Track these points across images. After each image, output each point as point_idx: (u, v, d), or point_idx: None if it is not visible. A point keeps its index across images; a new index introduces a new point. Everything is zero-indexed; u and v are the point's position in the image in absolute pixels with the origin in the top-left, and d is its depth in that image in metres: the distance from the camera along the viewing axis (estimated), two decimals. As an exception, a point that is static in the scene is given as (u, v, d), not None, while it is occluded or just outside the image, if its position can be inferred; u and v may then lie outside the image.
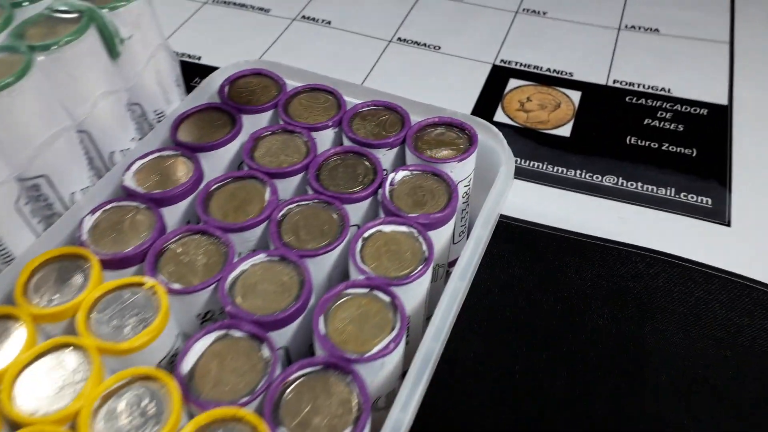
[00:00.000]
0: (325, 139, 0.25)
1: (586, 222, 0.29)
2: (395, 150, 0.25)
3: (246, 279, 0.20)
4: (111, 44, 0.23)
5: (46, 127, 0.21)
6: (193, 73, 0.38)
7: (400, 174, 0.23)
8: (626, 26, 0.41)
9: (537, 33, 0.41)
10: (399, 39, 0.40)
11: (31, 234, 0.21)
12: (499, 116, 0.35)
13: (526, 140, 0.33)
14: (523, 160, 0.32)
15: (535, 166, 0.32)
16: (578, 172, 0.32)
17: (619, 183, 0.31)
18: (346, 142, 0.25)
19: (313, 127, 0.25)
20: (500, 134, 0.25)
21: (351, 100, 0.26)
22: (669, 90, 0.36)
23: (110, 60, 0.24)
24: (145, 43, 0.25)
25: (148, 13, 0.25)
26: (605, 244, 0.28)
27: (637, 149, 0.33)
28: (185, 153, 0.24)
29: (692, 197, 0.30)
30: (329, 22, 0.41)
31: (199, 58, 0.39)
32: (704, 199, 0.30)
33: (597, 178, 0.31)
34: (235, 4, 0.43)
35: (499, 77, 0.37)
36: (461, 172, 0.24)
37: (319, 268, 0.21)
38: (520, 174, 0.32)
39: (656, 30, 0.40)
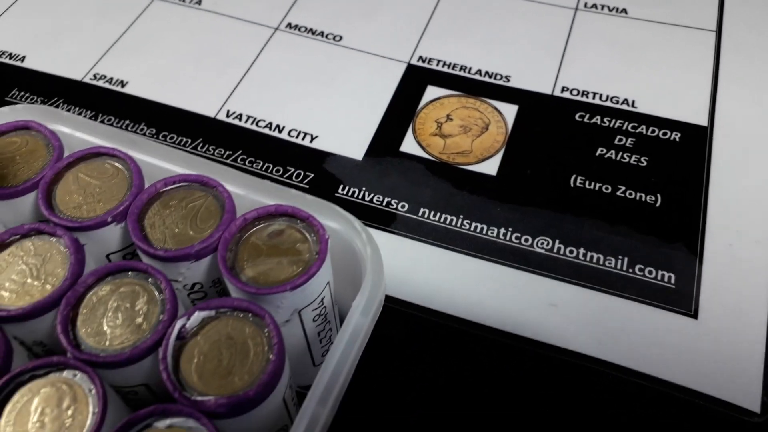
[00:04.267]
0: (105, 242, 0.18)
1: (507, 309, 0.22)
2: (206, 260, 0.17)
3: None
4: None
5: None
6: (11, 82, 0.28)
7: (197, 317, 0.16)
8: (585, 5, 0.31)
9: (470, 15, 0.31)
10: (289, 26, 0.31)
11: None
12: (409, 144, 0.26)
13: (440, 182, 0.25)
14: (431, 214, 0.24)
15: (447, 221, 0.24)
16: (503, 231, 0.24)
17: (555, 249, 0.23)
18: (137, 249, 0.17)
19: (83, 226, 0.17)
20: (365, 234, 0.17)
21: (158, 166, 0.18)
22: (633, 103, 0.27)
23: None
24: None
25: None
26: (527, 347, 0.21)
27: (583, 195, 0.25)
28: None
29: (650, 272, 0.23)
30: (199, 2, 0.32)
31: (22, 59, 0.29)
32: (665, 274, 0.22)
33: (526, 241, 0.24)
34: (81, -25, 0.33)
35: (414, 83, 0.28)
36: (300, 298, 0.16)
37: None
38: (425, 235, 0.23)
39: (623, 11, 0.31)
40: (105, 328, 0.15)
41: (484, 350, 0.21)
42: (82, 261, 0.16)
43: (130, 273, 0.16)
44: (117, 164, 0.18)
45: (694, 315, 0.21)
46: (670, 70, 0.28)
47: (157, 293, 0.16)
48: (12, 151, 0.18)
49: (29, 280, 0.16)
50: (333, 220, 0.17)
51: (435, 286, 0.22)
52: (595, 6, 0.31)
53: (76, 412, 0.14)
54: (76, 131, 0.19)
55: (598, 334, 0.21)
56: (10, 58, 0.29)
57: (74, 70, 0.29)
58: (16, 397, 0.14)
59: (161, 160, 0.19)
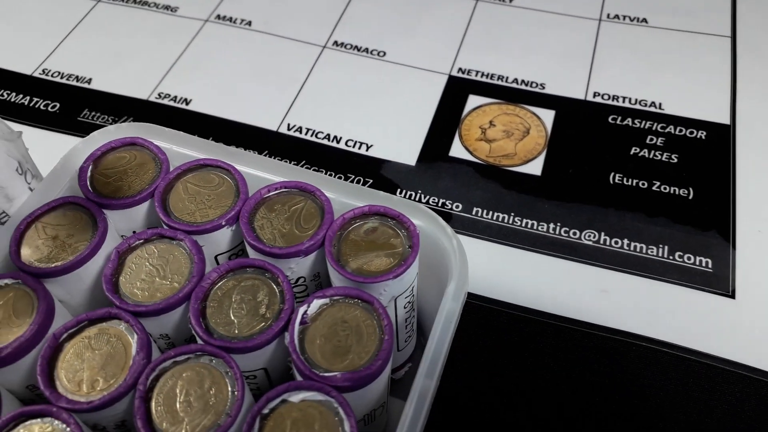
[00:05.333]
0: (216, 244, 0.20)
1: (562, 296, 0.24)
2: (312, 256, 0.19)
3: None
4: None
5: None
6: (81, 103, 0.30)
7: (316, 304, 0.18)
8: (608, 16, 0.34)
9: (501, 28, 0.33)
10: (335, 43, 0.33)
11: None
12: (456, 149, 0.29)
13: (488, 183, 0.27)
14: (484, 212, 0.27)
15: (499, 218, 0.26)
16: (551, 226, 0.26)
17: (601, 241, 0.25)
18: (248, 248, 0.19)
19: (200, 229, 0.19)
20: (449, 228, 0.19)
21: (255, 175, 0.20)
22: (660, 105, 0.30)
23: None
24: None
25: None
26: (584, 330, 0.23)
27: (622, 191, 0.27)
28: (27, 281, 0.18)
29: (689, 258, 0.25)
30: (249, 23, 0.34)
31: (89, 81, 0.31)
32: (703, 260, 0.25)
33: (574, 234, 0.26)
34: (135, 1, 0.35)
35: (456, 93, 0.31)
36: (398, 286, 0.18)
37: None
38: (480, 232, 0.26)
39: (644, 20, 0.33)
40: (232, 318, 0.17)
41: (544, 334, 0.23)
42: (204, 260, 0.18)
43: (248, 269, 0.18)
44: (221, 174, 0.20)
45: (732, 295, 0.24)
46: (691, 74, 0.31)
47: (274, 285, 0.18)
48: (123, 165, 0.20)
49: (157, 279, 0.18)
50: (418, 217, 0.20)
51: (494, 278, 0.25)
52: (617, 17, 0.33)
53: (218, 391, 0.16)
54: (175, 145, 0.21)
55: (647, 315, 0.23)
56: (77, 81, 0.31)
57: (139, 90, 0.31)
58: (161, 381, 0.16)
59: (257, 170, 0.21)
